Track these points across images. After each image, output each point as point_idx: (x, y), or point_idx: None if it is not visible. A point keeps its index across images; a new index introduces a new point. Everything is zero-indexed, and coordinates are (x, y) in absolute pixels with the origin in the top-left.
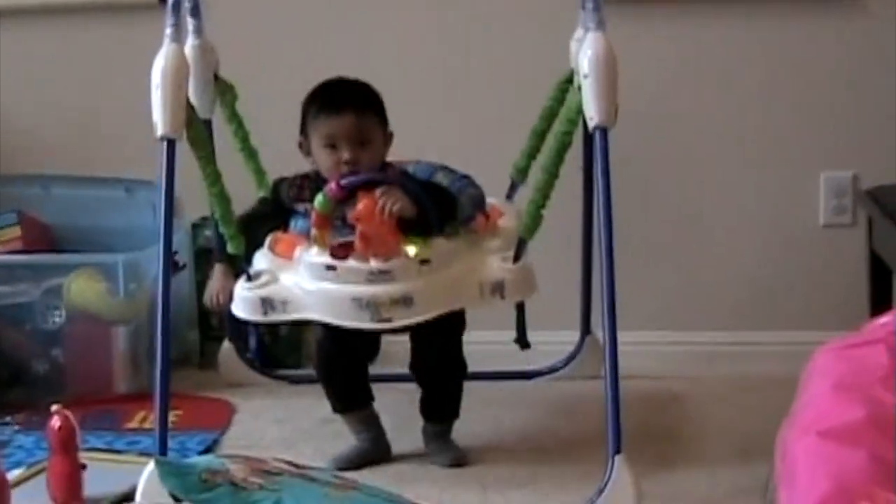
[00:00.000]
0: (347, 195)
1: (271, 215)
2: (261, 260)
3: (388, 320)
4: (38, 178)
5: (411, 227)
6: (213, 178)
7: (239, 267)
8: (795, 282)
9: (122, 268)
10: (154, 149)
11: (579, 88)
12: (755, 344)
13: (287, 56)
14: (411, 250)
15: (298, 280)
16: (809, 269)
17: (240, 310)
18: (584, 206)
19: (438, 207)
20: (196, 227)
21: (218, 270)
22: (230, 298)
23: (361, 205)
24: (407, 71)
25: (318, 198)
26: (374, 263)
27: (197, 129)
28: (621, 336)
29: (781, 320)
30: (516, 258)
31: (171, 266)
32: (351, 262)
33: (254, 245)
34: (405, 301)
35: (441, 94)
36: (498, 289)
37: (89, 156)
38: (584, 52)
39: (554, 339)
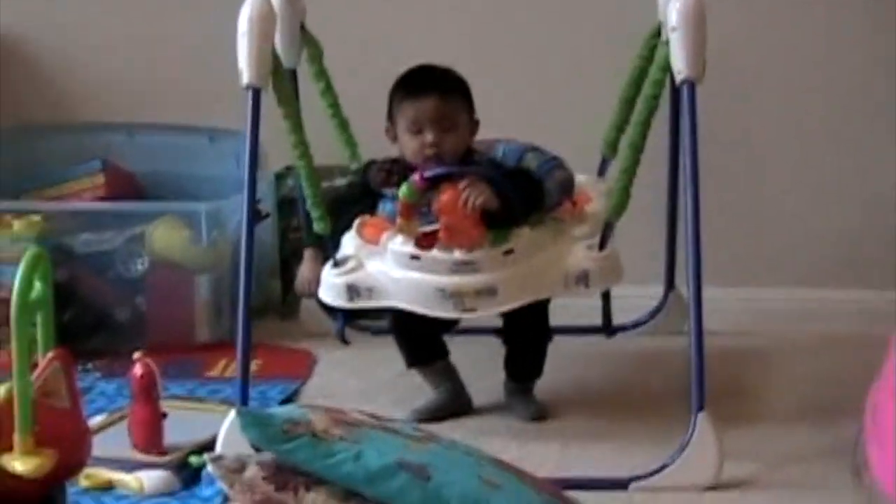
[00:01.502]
0: (432, 185)
1: (360, 198)
2: (348, 243)
3: (472, 310)
4: (123, 126)
5: (495, 218)
6: (302, 150)
7: (327, 250)
8: (881, 239)
9: (204, 216)
10: (237, 97)
11: (667, 42)
12: (842, 302)
13: (372, 16)
14: (495, 242)
15: (384, 267)
16: (893, 227)
17: (327, 296)
18: (669, 160)
19: (524, 196)
20: (279, 176)
21: (307, 256)
22: (319, 284)
23: (444, 197)
24: (492, 47)
25: (403, 187)
26: (457, 254)
27: (282, 81)
28: (705, 292)
29: (866, 278)
30: (602, 245)
31: (254, 215)
32: (435, 253)
33: (342, 228)
34: (489, 292)
35: (528, 69)
36: (583, 278)
37: (174, 104)
38: (673, 4)
39: (637, 294)
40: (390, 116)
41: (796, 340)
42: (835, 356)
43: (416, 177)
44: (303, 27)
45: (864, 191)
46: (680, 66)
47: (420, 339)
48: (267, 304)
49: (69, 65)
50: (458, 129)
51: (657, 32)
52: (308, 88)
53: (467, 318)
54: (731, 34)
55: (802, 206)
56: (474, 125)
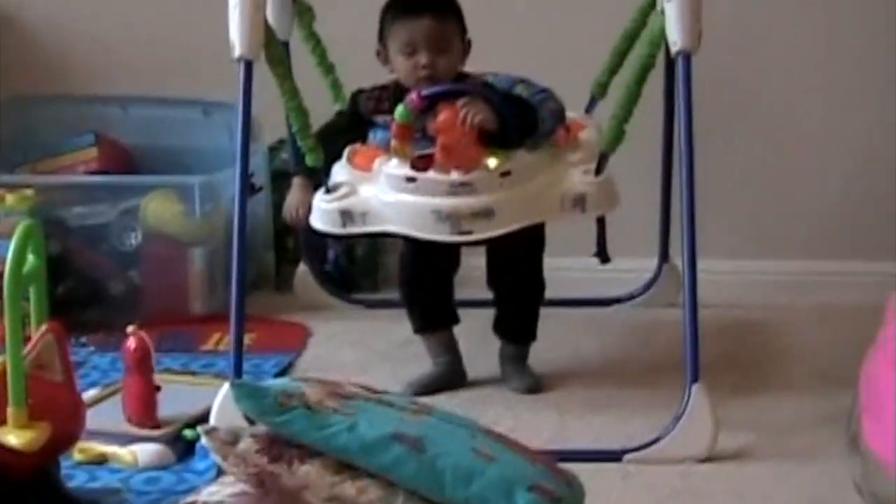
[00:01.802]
0: (428, 106)
1: (349, 128)
2: (339, 172)
3: (469, 233)
4: (116, 99)
5: (492, 140)
6: (291, 93)
7: (317, 180)
8: (880, 211)
9: (198, 189)
10: (231, 70)
11: (662, 12)
12: (837, 274)
13: None
14: (492, 162)
15: (377, 192)
16: (892, 198)
17: (318, 222)
18: (664, 132)
19: (520, 120)
20: (273, 149)
21: (296, 184)
22: (309, 212)
23: (443, 115)
24: None
25: (399, 109)
26: (454, 175)
27: (275, 51)
28: (700, 264)
29: (864, 250)
30: (598, 171)
31: (247, 188)
32: (431, 174)
33: (332, 158)
34: (486, 214)
35: (521, 6)
36: (579, 202)
37: (166, 76)
38: None
39: (632, 266)
40: (381, 38)
41: (791, 312)
42: (830, 328)
43: (413, 95)
44: None
45: (859, 161)
46: (675, 37)
47: (430, 300)
48: (261, 277)
49: (62, 38)
50: (452, 50)
51: (652, 3)
52: (299, 62)
53: (464, 243)
54: (729, 4)
55: (797, 177)
56: (467, 46)
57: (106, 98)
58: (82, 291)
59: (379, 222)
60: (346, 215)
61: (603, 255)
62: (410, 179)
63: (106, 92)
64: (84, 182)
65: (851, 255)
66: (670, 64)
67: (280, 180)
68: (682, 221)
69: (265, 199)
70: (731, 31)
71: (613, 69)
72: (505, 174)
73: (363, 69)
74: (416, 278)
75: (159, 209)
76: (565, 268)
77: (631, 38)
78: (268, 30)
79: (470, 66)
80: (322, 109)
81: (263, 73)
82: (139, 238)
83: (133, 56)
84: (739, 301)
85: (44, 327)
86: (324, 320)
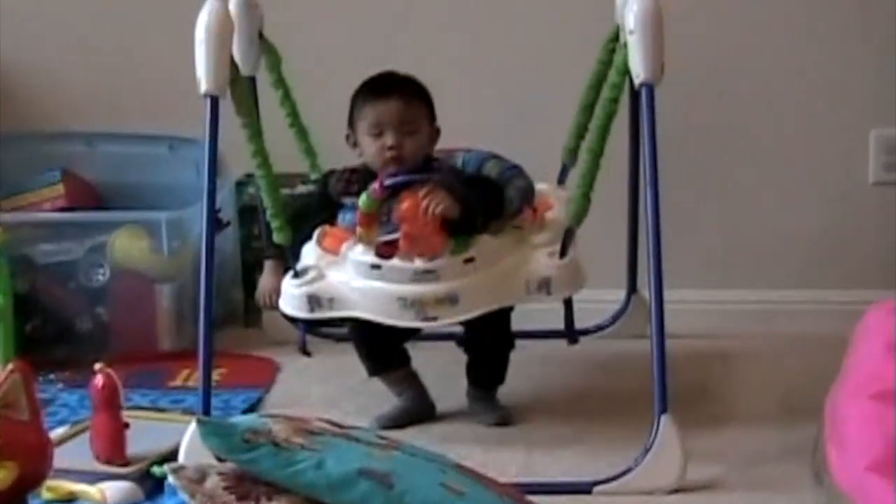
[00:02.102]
0: (392, 193)
1: (320, 208)
2: (309, 254)
3: (434, 319)
4: (82, 136)
5: (456, 226)
6: (261, 159)
7: (287, 261)
8: (844, 240)
9: (165, 225)
10: (198, 106)
11: (625, 45)
12: (802, 303)
13: (331, 25)
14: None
15: (345, 277)
16: (858, 227)
17: (288, 306)
18: (630, 163)
19: (485, 204)
20: (240, 184)
21: (268, 268)
22: (280, 296)
23: (405, 205)
24: (452, 56)
25: (363, 198)
26: (418, 263)
27: (241, 88)
28: (667, 295)
29: (829, 279)
30: (563, 252)
31: (214, 224)
32: (395, 262)
33: (302, 238)
34: (450, 300)
35: (488, 77)
36: (544, 285)
37: (133, 112)
38: (630, 8)
39: (599, 298)
40: (351, 122)
41: (760, 342)
42: (798, 358)
43: (375, 185)
44: (261, 35)
45: (826, 192)
46: (638, 69)
47: (380, 347)
48: (229, 313)
49: (27, 74)
50: (419, 133)
51: (615, 36)
52: (267, 96)
53: (429, 327)
54: (695, 35)
55: (764, 207)
56: (435, 133)
57: (72, 134)
58: (50, 329)
59: (346, 307)
60: (314, 300)
61: (571, 335)
62: (375, 267)
63: (71, 128)
64: (51, 219)
65: (819, 284)
66: (635, 97)
67: (248, 215)
68: (648, 252)
69: (233, 234)
70: (698, 62)
71: (580, 131)
72: (469, 260)
73: (331, 120)
74: (367, 327)
75: (127, 245)
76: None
77: (597, 87)
78: (234, 68)
79: (441, 142)
80: (287, 142)
81: (230, 109)
82: (107, 275)
83: (98, 92)
84: (707, 331)
85: (10, 366)
86: (293, 355)
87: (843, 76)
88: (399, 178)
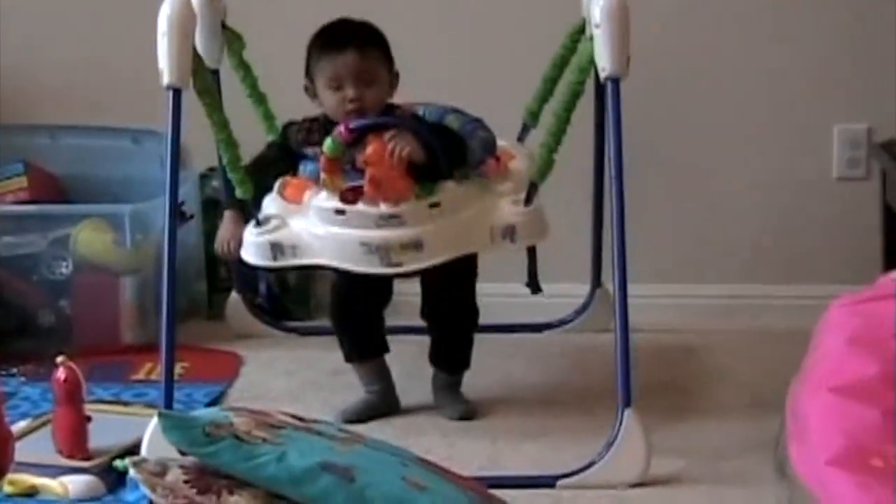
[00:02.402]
0: (357, 138)
1: (280, 159)
2: (270, 205)
3: (399, 265)
4: (45, 128)
5: (421, 171)
6: (221, 124)
7: (248, 213)
8: (808, 235)
9: (128, 218)
10: (161, 98)
11: (591, 38)
12: (766, 297)
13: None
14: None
15: (308, 225)
16: (822, 222)
17: (249, 255)
18: (594, 157)
19: (449, 150)
20: (204, 177)
21: (227, 217)
22: (240, 245)
23: (371, 148)
24: (416, 12)
25: (328, 141)
26: (383, 208)
27: (204, 79)
28: (632, 289)
29: (793, 274)
30: (527, 201)
31: (176, 217)
32: (360, 207)
33: (263, 190)
34: (415, 245)
35: (451, 36)
36: (509, 233)
37: (96, 105)
38: (596, 2)
39: (564, 292)
40: (308, 73)
41: (723, 337)
42: (761, 352)
43: (340, 128)
44: (224, 25)
45: (786, 187)
46: (604, 62)
47: (361, 330)
48: (193, 306)
49: None
50: (379, 82)
51: (581, 29)
52: (230, 90)
53: (394, 275)
54: (660, 30)
55: (729, 202)
56: (394, 78)
57: (35, 127)
58: (12, 322)
59: (309, 255)
60: (277, 248)
61: (534, 285)
62: (339, 212)
63: (34, 121)
64: (14, 211)
65: (782, 279)
66: (600, 89)
67: (211, 208)
68: (612, 246)
69: (196, 227)
70: (662, 56)
71: (544, 96)
72: (434, 206)
73: (295, 99)
74: (348, 308)
75: (90, 238)
76: (497, 293)
77: (561, 66)
78: (196, 58)
79: (401, 97)
80: (253, 138)
81: (193, 101)
82: (70, 268)
83: (61, 85)
84: (671, 325)
85: None
86: (256, 349)
87: (808, 72)
88: (365, 121)
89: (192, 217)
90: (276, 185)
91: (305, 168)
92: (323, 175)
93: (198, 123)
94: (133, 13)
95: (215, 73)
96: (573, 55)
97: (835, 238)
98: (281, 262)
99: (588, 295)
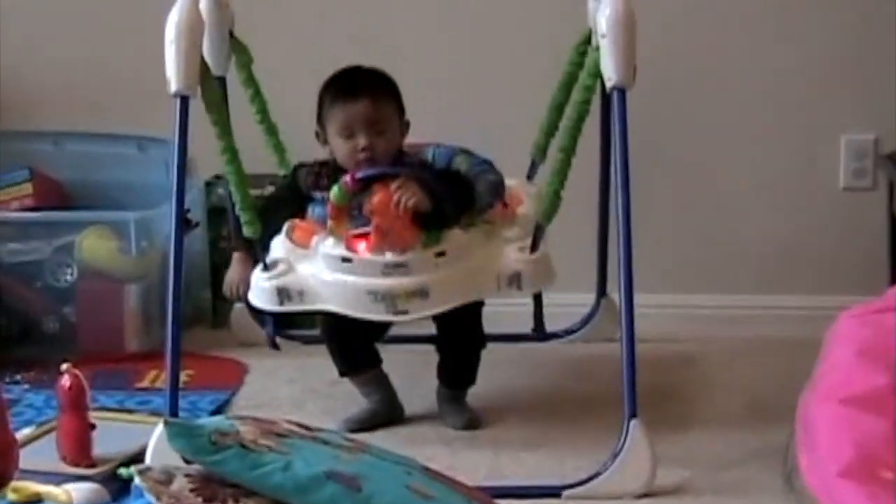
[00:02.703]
0: (363, 186)
1: (289, 201)
2: (278, 247)
3: (405, 312)
4: (51, 135)
5: (427, 219)
6: (230, 155)
7: (256, 254)
8: (814, 245)
9: (133, 226)
10: (168, 106)
11: (597, 48)
12: (772, 308)
13: (299, 19)
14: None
15: (315, 270)
16: (828, 232)
17: (257, 299)
18: (601, 167)
19: (455, 198)
20: (209, 185)
21: (235, 259)
22: (248, 288)
23: (376, 198)
24: (423, 51)
25: (334, 190)
26: (389, 256)
27: (211, 88)
28: (637, 298)
29: (799, 284)
30: (534, 247)
31: (182, 224)
32: (366, 255)
33: (271, 231)
34: (421, 294)
35: (459, 73)
36: (515, 280)
37: (102, 112)
38: (602, 11)
39: (569, 301)
40: (320, 119)
41: (728, 346)
42: (766, 361)
43: (346, 178)
44: (231, 34)
45: (792, 196)
46: (610, 72)
47: (352, 346)
48: (197, 314)
49: None
50: (390, 131)
51: (587, 39)
52: (236, 97)
53: (399, 322)
54: (667, 39)
55: (735, 212)
56: (405, 126)
57: (40, 134)
58: (16, 328)
59: (316, 301)
60: (284, 293)
61: (540, 332)
62: (346, 260)
63: (39, 127)
64: (18, 218)
65: (788, 288)
66: (606, 100)
67: (217, 216)
68: (619, 256)
69: (202, 235)
70: (667, 62)
71: (551, 129)
72: (440, 254)
73: (302, 122)
74: (339, 325)
75: (94, 245)
76: (502, 303)
77: (568, 86)
78: (204, 67)
79: (412, 137)
80: (258, 145)
81: (199, 109)
82: (74, 275)
83: (67, 91)
84: (676, 335)
85: None
86: (260, 357)
87: (816, 81)
88: (371, 171)
89: (197, 225)
90: (285, 227)
91: (314, 211)
92: (329, 222)
93: (204, 131)
94: (136, 15)
95: (221, 80)
96: (580, 70)
97: (840, 248)
98: (287, 307)
99: (593, 305)
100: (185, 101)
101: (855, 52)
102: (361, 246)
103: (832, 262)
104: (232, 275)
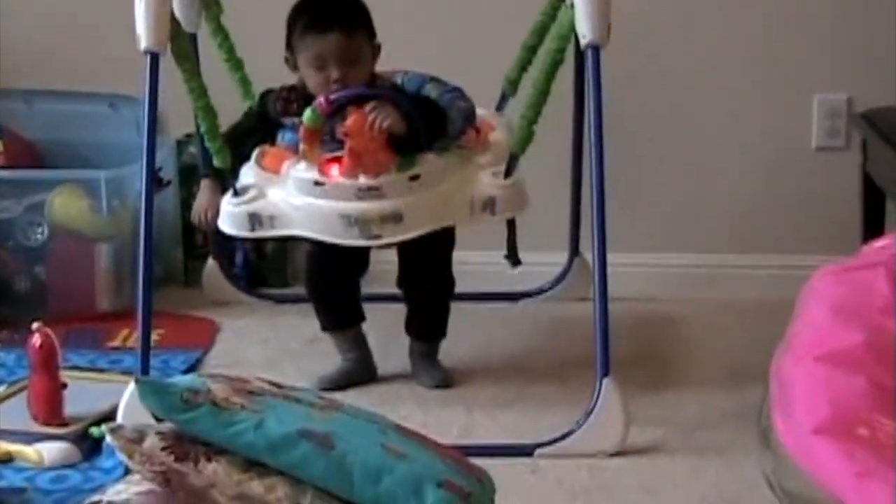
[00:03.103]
0: (336, 110)
1: (258, 128)
2: (248, 174)
3: (378, 237)
4: (21, 93)
5: (401, 143)
6: (199, 91)
7: (226, 182)
8: (787, 205)
9: (104, 184)
10: (138, 63)
11: (571, 6)
12: (745, 267)
13: None
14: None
15: (286, 195)
16: (802, 192)
17: (227, 225)
18: (574, 125)
19: (429, 122)
20: (181, 143)
21: (204, 186)
22: (217, 215)
23: (351, 120)
24: None
25: (307, 112)
26: (363, 180)
27: (182, 44)
28: (610, 258)
29: (772, 243)
30: (507, 173)
31: (153, 183)
32: (339, 179)
33: (241, 159)
34: (394, 218)
35: (430, 2)
36: (489, 205)
37: (73, 70)
38: None
39: (542, 260)
40: (289, 46)
41: (702, 306)
42: (741, 321)
43: (320, 100)
44: None
45: (765, 156)
46: (584, 30)
47: (336, 300)
48: (169, 273)
49: None
50: (363, 61)
51: None
52: (207, 58)
53: (373, 246)
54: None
55: (708, 171)
56: (376, 50)
57: (10, 92)
58: None
59: (287, 226)
60: (255, 218)
61: (513, 258)
62: (318, 183)
63: (10, 86)
64: None
65: (761, 248)
66: (580, 58)
67: (188, 175)
68: (592, 215)
69: (173, 193)
70: (641, 24)
71: (523, 65)
72: (414, 178)
73: (272, 66)
74: (323, 278)
75: (66, 204)
76: (474, 262)
77: (540, 33)
78: (174, 23)
79: (380, 65)
80: (230, 105)
81: (170, 67)
82: (45, 234)
83: (37, 49)
84: (649, 294)
85: None
86: (232, 316)
87: (788, 41)
88: (345, 93)
89: (168, 183)
90: (254, 154)
91: (283, 137)
92: (302, 145)
93: (175, 89)
94: None
95: (193, 37)
96: (553, 22)
97: (814, 208)
98: (259, 233)
99: (566, 264)
100: (155, 58)
101: (827, 11)
102: (334, 170)
103: (806, 222)
104: (201, 201)
